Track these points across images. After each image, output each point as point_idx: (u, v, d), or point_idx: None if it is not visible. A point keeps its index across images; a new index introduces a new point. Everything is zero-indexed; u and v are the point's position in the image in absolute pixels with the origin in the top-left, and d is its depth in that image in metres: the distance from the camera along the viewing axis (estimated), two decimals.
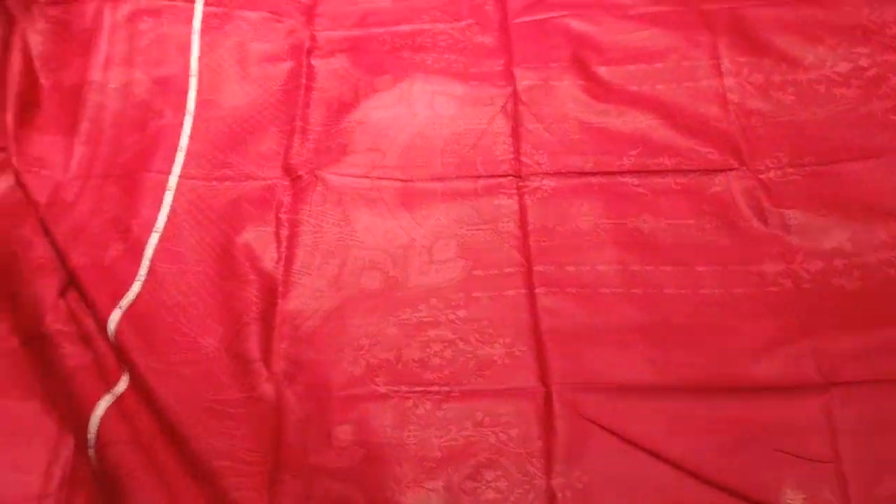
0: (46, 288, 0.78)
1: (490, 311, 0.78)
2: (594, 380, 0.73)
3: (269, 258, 0.82)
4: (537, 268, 0.81)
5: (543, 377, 0.74)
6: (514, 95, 0.93)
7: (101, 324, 0.76)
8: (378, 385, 0.74)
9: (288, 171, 0.88)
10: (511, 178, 0.87)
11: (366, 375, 0.74)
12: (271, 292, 0.80)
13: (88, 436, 0.70)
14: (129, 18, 0.99)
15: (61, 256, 0.80)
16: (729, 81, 0.91)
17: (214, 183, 0.88)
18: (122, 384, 0.73)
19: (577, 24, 0.97)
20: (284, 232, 0.84)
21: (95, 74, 0.95)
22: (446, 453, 0.70)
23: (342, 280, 0.81)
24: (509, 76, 0.94)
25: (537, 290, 0.79)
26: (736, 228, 0.81)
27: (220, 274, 0.81)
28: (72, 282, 0.79)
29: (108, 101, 0.94)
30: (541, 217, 0.84)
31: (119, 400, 0.72)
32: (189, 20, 1.00)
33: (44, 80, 0.95)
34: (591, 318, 0.77)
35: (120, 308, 0.77)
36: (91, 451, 0.69)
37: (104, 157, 0.90)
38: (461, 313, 0.78)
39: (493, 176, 0.87)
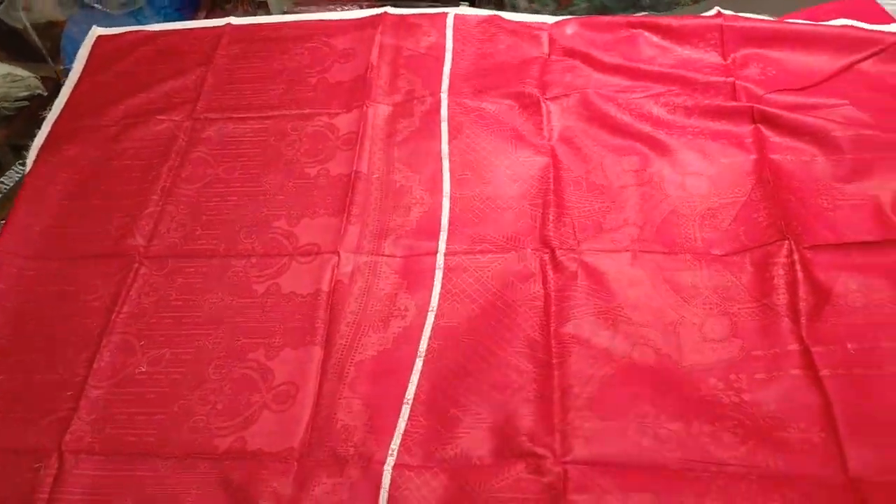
0: None
1: (776, 394, 0.77)
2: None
3: (540, 332, 0.85)
4: (816, 348, 0.79)
5: (844, 465, 0.71)
6: (766, 163, 0.93)
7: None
8: (668, 459, 0.74)
9: (547, 245, 0.92)
10: (776, 244, 0.86)
11: (654, 448, 0.75)
12: (546, 366, 0.82)
13: None
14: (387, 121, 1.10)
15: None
16: None
17: (477, 257, 0.93)
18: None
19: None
20: (553, 307, 0.87)
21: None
22: None
23: (614, 353, 0.83)
24: (760, 143, 0.95)
25: (822, 373, 0.77)
26: None
27: (496, 345, 0.85)
28: None
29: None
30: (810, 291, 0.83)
31: None
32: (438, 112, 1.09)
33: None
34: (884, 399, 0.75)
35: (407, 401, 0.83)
36: None
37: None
38: (746, 396, 0.77)
39: (760, 246, 0.87)
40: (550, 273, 0.90)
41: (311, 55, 1.22)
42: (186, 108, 1.17)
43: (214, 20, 1.32)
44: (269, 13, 1.68)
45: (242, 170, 1.08)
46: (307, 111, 1.14)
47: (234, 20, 1.30)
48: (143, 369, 0.89)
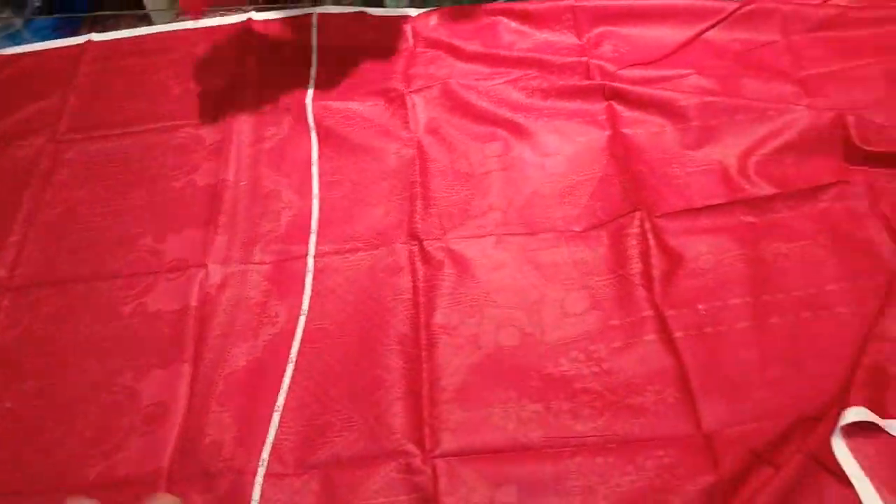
0: None
1: (632, 360, 0.79)
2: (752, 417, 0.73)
3: (409, 325, 0.85)
4: (669, 312, 0.82)
5: (697, 422, 0.74)
6: (619, 137, 0.96)
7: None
8: (532, 440, 0.75)
9: (415, 237, 0.92)
10: (629, 216, 0.89)
11: (518, 431, 0.76)
12: (415, 359, 0.83)
13: None
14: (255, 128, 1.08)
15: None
16: None
17: (347, 256, 0.93)
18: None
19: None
20: (422, 298, 0.87)
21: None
22: (611, 500, 0.70)
23: (481, 339, 0.84)
24: (613, 119, 0.98)
25: (675, 335, 0.80)
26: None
27: (364, 345, 0.85)
28: None
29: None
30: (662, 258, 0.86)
31: None
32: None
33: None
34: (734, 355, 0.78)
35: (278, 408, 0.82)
36: None
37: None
38: (605, 365, 0.79)
39: (615, 219, 0.89)
40: (419, 265, 0.90)
41: (174, 67, 1.20)
42: (48, 132, 1.13)
43: (74, 38, 1.28)
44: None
45: (107, 189, 1.05)
46: (172, 123, 1.11)
47: (95, 37, 1.26)
48: (9, 406, 0.86)
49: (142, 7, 1.59)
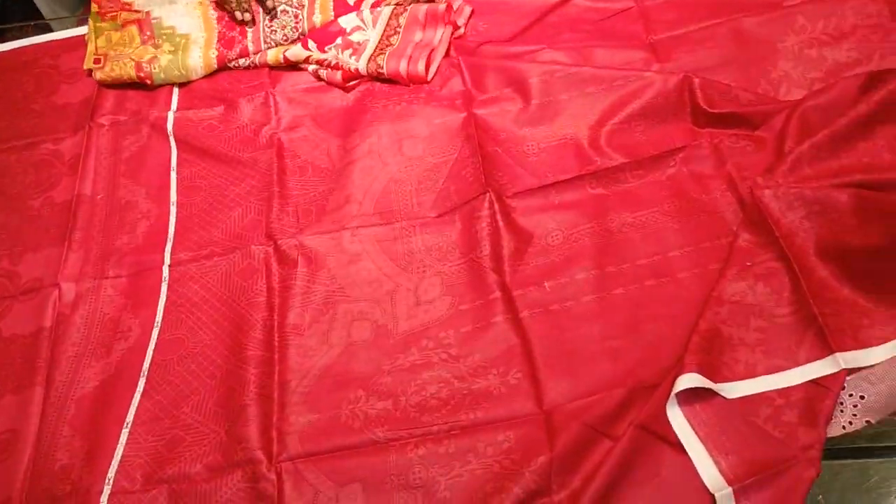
0: None
1: (480, 343, 0.78)
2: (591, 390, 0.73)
3: (263, 329, 0.83)
4: (517, 292, 0.81)
5: (539, 400, 0.73)
6: (473, 119, 0.95)
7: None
8: (378, 436, 0.74)
9: (271, 238, 0.90)
10: (480, 198, 0.87)
11: (365, 428, 0.75)
12: (268, 363, 0.81)
13: None
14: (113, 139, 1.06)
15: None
16: None
17: (203, 262, 0.91)
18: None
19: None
20: (276, 300, 0.86)
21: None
22: (454, 491, 0.69)
23: (332, 337, 0.82)
24: (468, 101, 0.97)
25: (521, 315, 0.79)
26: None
27: (218, 353, 0.83)
28: None
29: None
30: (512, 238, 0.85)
31: None
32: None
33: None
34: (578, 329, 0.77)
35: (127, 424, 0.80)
36: None
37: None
38: (453, 351, 0.78)
39: (467, 201, 0.88)
40: (275, 266, 0.88)
41: (36, 81, 1.16)
42: None
43: None
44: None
45: None
46: (31, 140, 1.08)
47: None
48: None
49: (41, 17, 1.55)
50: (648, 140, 0.89)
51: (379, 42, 1.03)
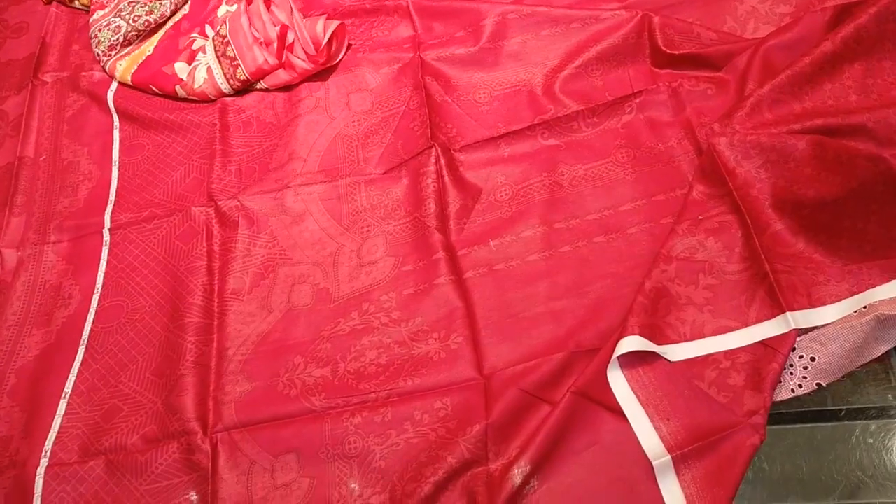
0: None
1: (422, 306, 0.75)
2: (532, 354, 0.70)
3: (202, 294, 0.81)
4: (462, 251, 0.77)
5: (479, 365, 0.70)
6: (422, 66, 0.89)
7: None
8: (314, 405, 0.72)
9: (212, 198, 0.87)
10: (426, 152, 0.83)
11: (301, 396, 0.73)
12: (206, 330, 0.79)
13: None
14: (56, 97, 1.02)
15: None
16: None
17: (143, 225, 0.88)
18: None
19: None
20: (216, 264, 0.83)
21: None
22: (389, 461, 0.67)
23: (272, 301, 0.79)
24: (416, 46, 0.91)
25: (465, 276, 0.76)
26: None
27: (157, 320, 0.81)
28: None
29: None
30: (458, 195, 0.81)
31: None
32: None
33: None
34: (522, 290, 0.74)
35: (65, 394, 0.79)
36: None
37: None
38: (394, 315, 0.75)
39: (414, 156, 0.84)
40: (216, 228, 0.85)
41: None
42: None
43: None
44: None
45: None
46: None
47: None
48: None
49: None
50: (605, 85, 0.83)
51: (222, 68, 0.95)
